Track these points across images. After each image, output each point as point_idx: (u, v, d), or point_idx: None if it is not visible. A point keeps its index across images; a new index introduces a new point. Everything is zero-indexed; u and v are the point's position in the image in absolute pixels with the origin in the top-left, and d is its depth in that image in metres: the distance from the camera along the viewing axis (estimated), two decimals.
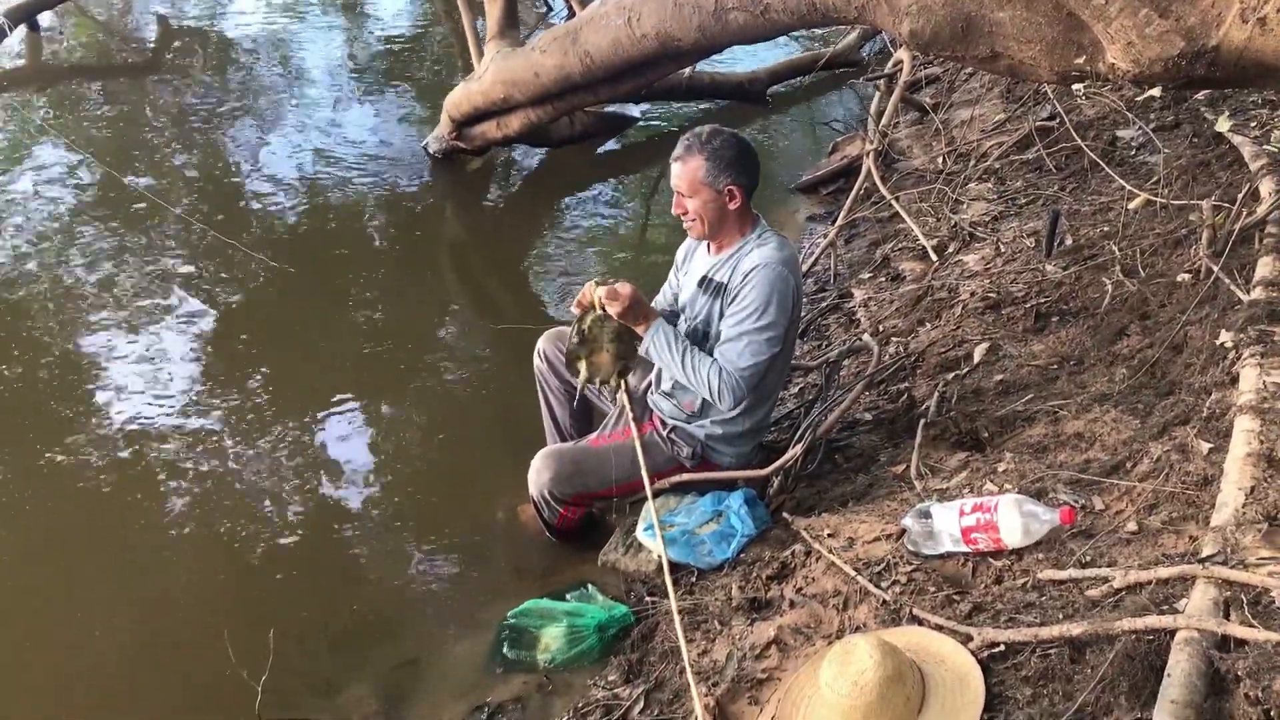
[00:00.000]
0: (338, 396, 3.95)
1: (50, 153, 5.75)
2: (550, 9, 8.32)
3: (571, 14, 6.03)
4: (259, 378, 4.06)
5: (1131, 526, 2.24)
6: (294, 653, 2.83)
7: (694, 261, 3.08)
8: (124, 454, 3.61)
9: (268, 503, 3.45)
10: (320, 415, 3.86)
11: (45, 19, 7.45)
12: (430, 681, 2.84)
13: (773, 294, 2.80)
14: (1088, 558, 2.18)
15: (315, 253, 4.98)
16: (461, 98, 5.42)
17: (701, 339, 2.94)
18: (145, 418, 3.78)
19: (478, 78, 5.33)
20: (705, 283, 2.94)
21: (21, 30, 7.10)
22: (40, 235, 4.95)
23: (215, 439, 3.71)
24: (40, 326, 4.30)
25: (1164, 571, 1.96)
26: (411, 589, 3.18)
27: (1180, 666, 1.68)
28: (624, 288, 2.88)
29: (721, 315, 2.88)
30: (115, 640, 2.94)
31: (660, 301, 3.20)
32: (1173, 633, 1.77)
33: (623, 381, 3.02)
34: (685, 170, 2.83)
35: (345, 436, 3.77)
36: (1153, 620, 1.81)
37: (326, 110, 6.50)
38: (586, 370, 2.98)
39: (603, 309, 2.92)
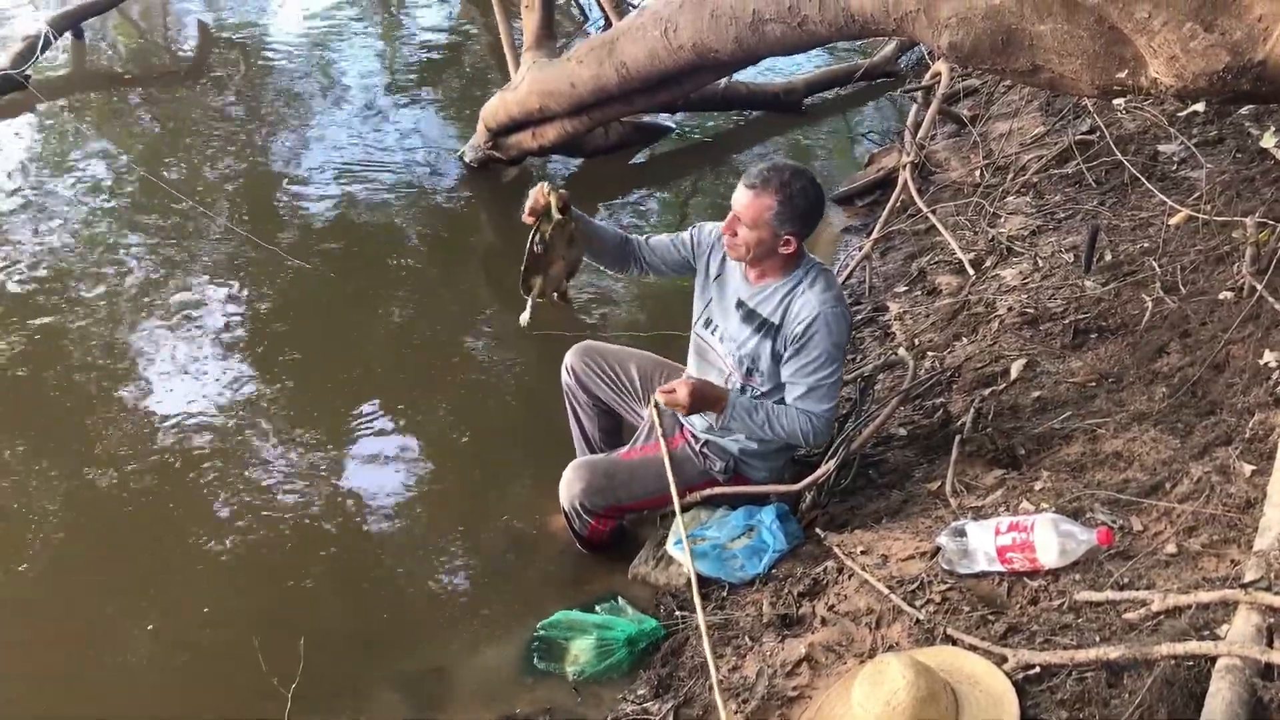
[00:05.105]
0: (370, 403, 3.97)
1: (92, 158, 5.84)
2: (587, 18, 8.34)
3: (608, 24, 6.04)
4: (293, 384, 4.09)
5: (1171, 549, 2.21)
6: (324, 660, 2.84)
7: (728, 271, 3.03)
8: (157, 459, 3.65)
9: (298, 510, 3.47)
10: (353, 422, 3.88)
11: (89, 26, 7.55)
12: (460, 690, 2.85)
13: (838, 339, 2.81)
14: (1125, 580, 2.16)
15: (352, 259, 5.01)
16: (498, 107, 5.45)
17: (747, 372, 2.92)
18: (179, 423, 3.82)
19: (514, 88, 5.35)
20: (749, 314, 2.90)
21: (66, 38, 7.20)
22: (81, 239, 5.02)
23: (248, 445, 3.74)
24: (79, 330, 4.35)
25: (1204, 596, 1.93)
26: (441, 598, 3.19)
27: (1221, 694, 1.66)
28: (680, 388, 2.82)
29: (775, 355, 2.86)
30: (146, 647, 2.96)
31: (658, 242, 3.15)
32: (1214, 659, 1.75)
33: (567, 289, 3.03)
34: (754, 203, 2.75)
35: (377, 444, 3.79)
36: (1193, 646, 1.78)
37: (363, 118, 6.55)
38: (542, 284, 2.95)
39: (560, 212, 2.86)
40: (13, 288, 4.60)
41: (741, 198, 2.77)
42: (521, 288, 2.98)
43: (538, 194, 2.87)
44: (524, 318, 3.00)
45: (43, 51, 6.69)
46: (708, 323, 3.05)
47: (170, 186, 5.39)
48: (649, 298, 4.81)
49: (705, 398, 2.88)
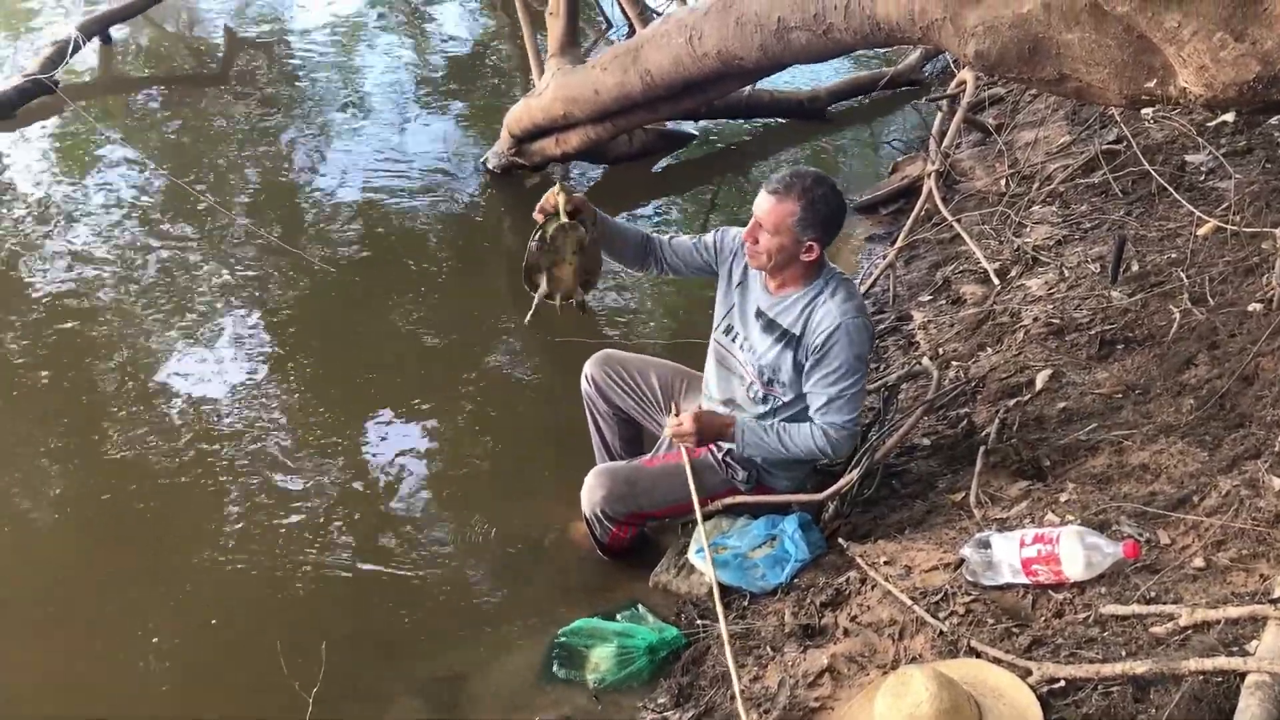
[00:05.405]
0: (391, 408, 3.98)
1: (119, 162, 5.89)
2: (611, 25, 8.35)
3: (632, 31, 6.05)
4: (314, 389, 4.11)
5: (1198, 563, 2.19)
6: (345, 665, 2.84)
7: (750, 279, 3.02)
8: (180, 461, 3.67)
9: (320, 514, 3.48)
10: (374, 427, 3.90)
11: (117, 31, 7.62)
12: (479, 697, 2.85)
13: (859, 350, 2.80)
14: (1152, 594, 2.14)
15: (374, 263, 5.04)
16: (522, 114, 5.46)
17: (768, 382, 2.92)
18: (200, 424, 3.84)
19: (538, 94, 5.37)
20: (769, 324, 2.89)
21: (95, 42, 7.27)
22: (106, 242, 5.06)
23: (269, 448, 3.75)
24: (101, 332, 4.39)
25: (1233, 611, 1.92)
26: (462, 603, 3.19)
27: (1250, 711, 1.64)
28: (687, 420, 2.87)
29: (796, 365, 2.85)
30: (164, 649, 2.97)
31: (680, 244, 3.13)
32: (1243, 675, 1.73)
33: (585, 299, 3.01)
34: (777, 208, 2.74)
35: (399, 448, 3.80)
36: (1222, 661, 1.77)
37: (388, 123, 6.58)
38: (547, 284, 2.95)
39: (569, 216, 2.86)
40: (38, 289, 4.64)
41: (763, 204, 2.77)
42: (525, 284, 3.00)
43: (550, 194, 2.88)
44: (530, 315, 3.03)
45: (71, 56, 6.75)
46: (728, 329, 3.05)
47: (195, 190, 5.43)
48: (670, 305, 4.81)
49: (712, 427, 2.91)
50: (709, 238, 3.10)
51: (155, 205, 5.43)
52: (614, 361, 3.32)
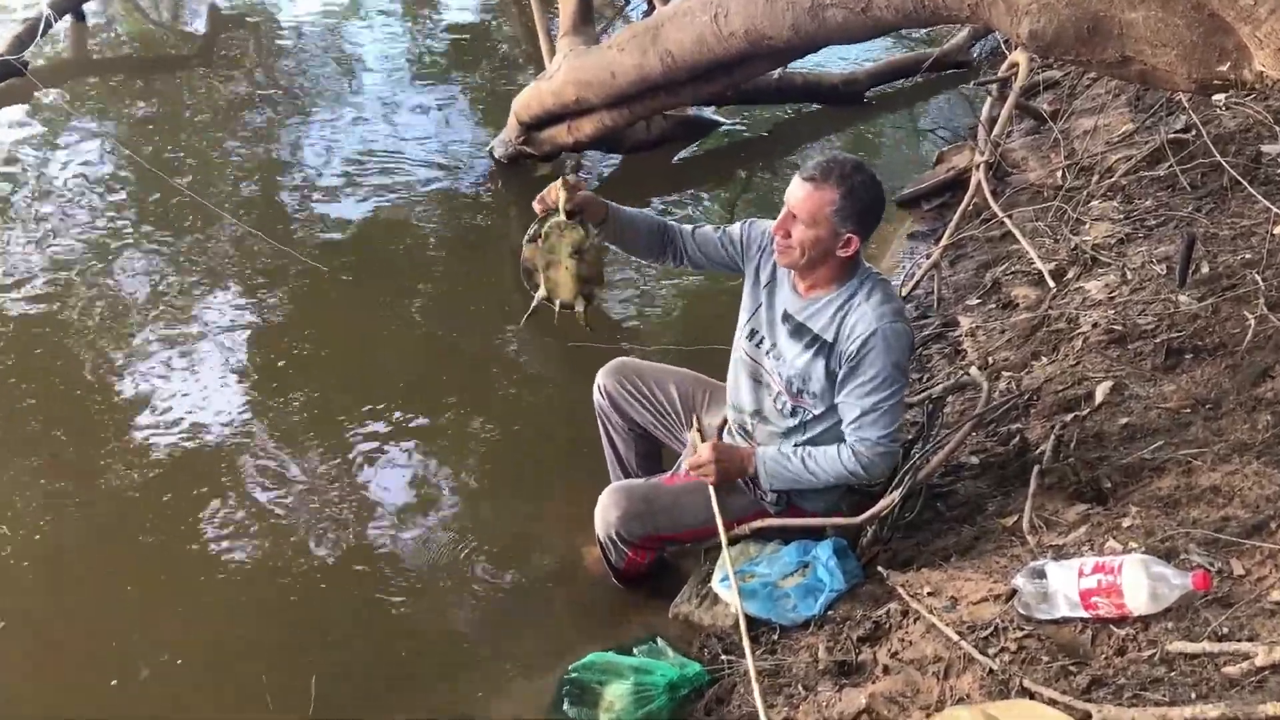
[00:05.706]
0: (391, 420, 4.00)
1: (93, 150, 5.93)
2: (628, 2, 8.39)
3: (651, 8, 6.07)
4: (308, 398, 4.12)
5: (1276, 595, 2.18)
6: (338, 700, 2.85)
7: (780, 279, 2.99)
8: (164, 477, 3.69)
9: (313, 536, 3.49)
10: (372, 441, 3.91)
11: (91, 8, 7.68)
12: None
13: (898, 358, 2.77)
14: (1225, 630, 2.13)
15: (372, 261, 5.06)
16: (531, 98, 5.48)
17: (796, 393, 2.90)
18: (187, 439, 3.86)
19: (549, 77, 5.39)
20: (798, 329, 2.87)
21: (67, 20, 7.33)
22: (81, 238, 5.10)
23: (259, 465, 3.77)
24: (82, 335, 4.42)
25: None
26: (465, 635, 3.20)
27: None
28: (704, 450, 2.90)
29: (829, 374, 2.83)
30: (145, 682, 2.97)
31: (704, 235, 3.11)
32: None
33: (589, 308, 3.02)
34: (814, 196, 2.71)
35: (398, 466, 3.81)
36: None
37: (385, 110, 6.62)
38: (545, 286, 2.98)
39: (568, 215, 2.87)
40: (9, 286, 4.68)
41: (798, 192, 2.73)
42: (525, 282, 3.03)
43: (553, 186, 2.88)
44: (526, 316, 3.09)
45: (43, 35, 6.81)
46: (753, 334, 3.02)
47: (175, 181, 5.46)
48: (691, 307, 4.81)
49: (733, 461, 2.93)
50: (735, 230, 3.08)
51: (133, 198, 5.47)
52: (629, 371, 3.32)
